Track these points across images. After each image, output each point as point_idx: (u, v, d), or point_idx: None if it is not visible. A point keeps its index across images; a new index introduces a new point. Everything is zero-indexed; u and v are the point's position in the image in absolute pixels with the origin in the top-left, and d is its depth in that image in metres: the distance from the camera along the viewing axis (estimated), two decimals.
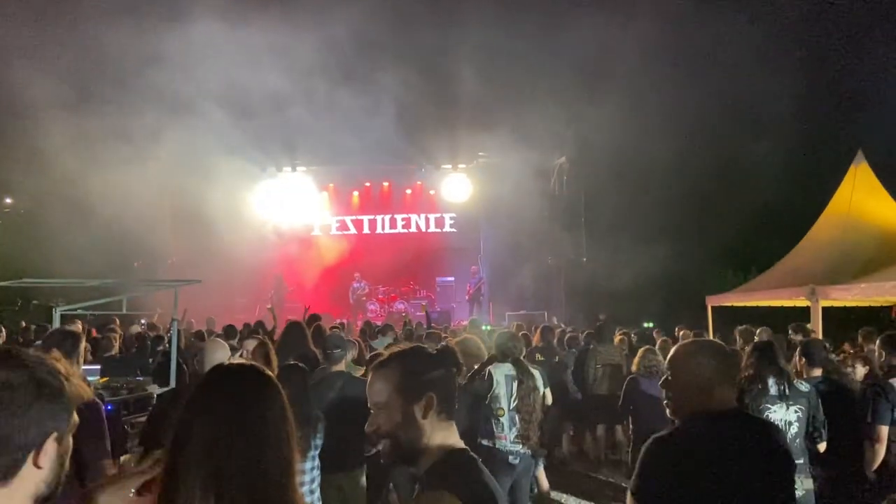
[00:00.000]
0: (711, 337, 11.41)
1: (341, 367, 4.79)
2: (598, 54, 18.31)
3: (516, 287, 19.34)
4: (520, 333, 8.64)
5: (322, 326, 7.15)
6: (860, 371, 5.57)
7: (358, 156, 18.77)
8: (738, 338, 7.43)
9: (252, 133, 17.18)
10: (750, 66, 20.72)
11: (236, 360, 4.02)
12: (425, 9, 19.88)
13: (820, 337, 7.63)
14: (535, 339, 9.10)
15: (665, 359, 6.18)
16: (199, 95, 15.77)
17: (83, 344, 3.57)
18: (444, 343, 2.21)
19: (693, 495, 2.15)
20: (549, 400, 6.81)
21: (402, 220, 21.38)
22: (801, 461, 4.15)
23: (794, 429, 4.16)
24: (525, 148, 18.42)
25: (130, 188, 15.20)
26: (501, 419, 5.05)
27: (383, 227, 21.37)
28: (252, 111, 16.32)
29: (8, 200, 22.19)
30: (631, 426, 6.77)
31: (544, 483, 6.72)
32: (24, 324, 11.39)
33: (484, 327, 10.71)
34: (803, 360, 4.88)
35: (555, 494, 6.90)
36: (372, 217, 21.38)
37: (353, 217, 21.39)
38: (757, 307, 12.09)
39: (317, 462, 3.79)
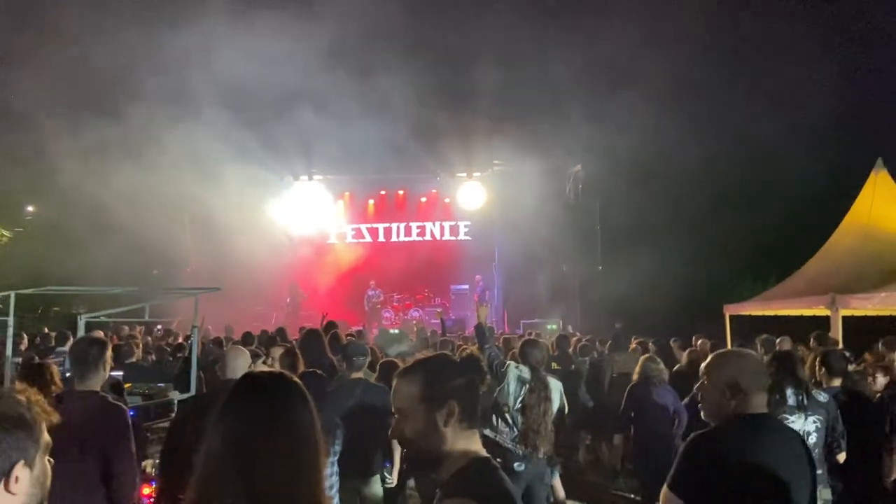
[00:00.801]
0: (730, 346, 11.34)
1: (360, 374, 4.84)
2: (612, 62, 18.32)
3: (531, 295, 19.32)
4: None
5: (339, 334, 7.20)
6: (881, 381, 5.52)
7: (374, 164, 18.88)
8: (759, 347, 7.37)
9: (269, 142, 17.36)
10: (767, 76, 20.63)
11: (258, 366, 4.08)
12: (440, 18, 20.01)
13: (840, 346, 7.56)
14: (551, 348, 9.08)
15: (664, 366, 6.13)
16: (218, 105, 15.97)
17: (109, 351, 3.62)
18: (469, 351, 2.24)
19: (729, 492, 2.30)
20: (566, 409, 6.81)
21: (417, 227, 21.44)
22: (820, 471, 4.13)
23: (812, 439, 4.14)
24: (540, 156, 18.45)
25: (150, 197, 15.40)
26: (506, 415, 5.10)
27: (398, 235, 21.44)
28: (269, 120, 16.49)
29: (30, 208, 22.51)
30: (632, 433, 6.74)
31: (560, 492, 6.70)
32: (46, 330, 11.53)
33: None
34: (822, 369, 4.85)
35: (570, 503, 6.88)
36: (387, 225, 21.47)
37: (369, 225, 21.49)
38: (776, 316, 11.98)
39: (335, 468, 3.83)
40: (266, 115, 16.35)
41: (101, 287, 8.33)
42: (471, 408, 1.80)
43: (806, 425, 4.15)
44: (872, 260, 9.78)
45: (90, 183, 15.19)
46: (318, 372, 4.59)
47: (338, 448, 3.84)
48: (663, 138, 18.66)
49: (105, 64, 15.45)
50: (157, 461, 4.08)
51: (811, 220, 15.59)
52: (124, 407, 3.46)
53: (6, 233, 21.08)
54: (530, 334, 11.16)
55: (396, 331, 12.92)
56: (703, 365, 2.63)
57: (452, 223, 21.36)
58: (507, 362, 5.35)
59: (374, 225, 21.48)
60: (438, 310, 18.84)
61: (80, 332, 5.59)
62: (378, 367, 6.06)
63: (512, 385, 5.21)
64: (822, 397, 4.29)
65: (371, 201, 21.45)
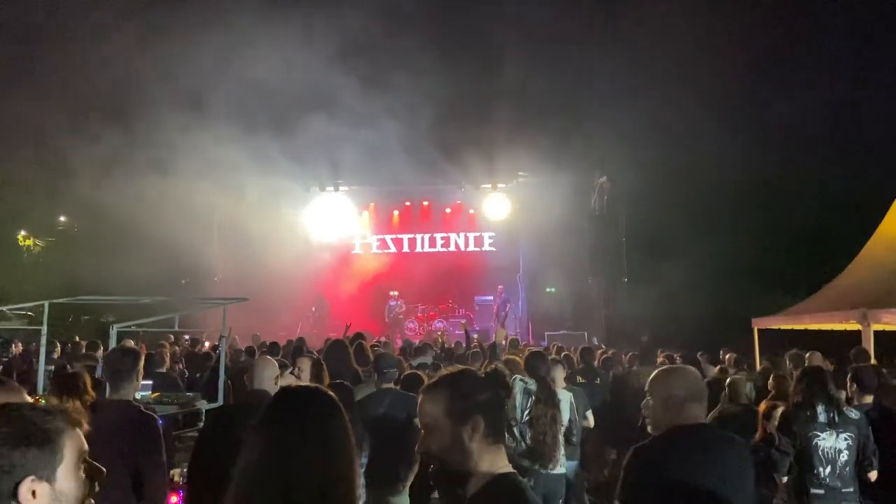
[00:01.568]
0: (758, 361, 11.18)
1: (390, 385, 4.87)
2: (639, 73, 18.25)
3: (556, 307, 19.23)
4: (561, 354, 8.61)
5: (365, 345, 7.24)
6: None
7: (398, 175, 18.99)
8: (787, 362, 7.24)
9: (296, 153, 17.55)
10: (799, 86, 20.39)
11: (285, 377, 4.12)
12: (466, 30, 20.13)
13: (873, 362, 7.41)
14: (576, 361, 9.03)
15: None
16: (245, 117, 16.21)
17: (142, 361, 3.70)
18: (494, 365, 2.24)
19: (667, 499, 2.49)
20: (591, 423, 6.75)
21: (442, 238, 21.48)
22: (851, 489, 4.06)
23: (843, 457, 4.07)
24: (565, 167, 18.41)
25: (178, 207, 15.65)
26: (513, 430, 5.07)
27: (423, 246, 21.49)
28: (296, 132, 16.69)
29: (62, 218, 22.98)
30: None
31: None
32: (77, 339, 11.74)
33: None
34: (854, 386, 4.76)
35: None
36: (412, 236, 21.54)
37: (394, 236, 21.58)
38: (805, 330, 11.78)
39: (362, 480, 3.85)
40: (293, 127, 16.56)
41: (132, 297, 8.47)
42: (496, 423, 1.80)
43: (837, 442, 4.08)
44: None
45: (120, 194, 15.49)
46: (345, 383, 4.62)
47: (364, 460, 3.86)
48: (690, 150, 18.52)
49: (135, 76, 15.79)
50: (185, 470, 4.13)
51: (842, 232, 15.34)
52: (156, 416, 3.51)
53: (39, 243, 21.56)
54: (556, 347, 11.09)
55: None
56: (648, 380, 2.80)
57: (477, 234, 21.38)
58: (514, 376, 5.29)
59: (399, 235, 21.57)
60: (462, 321, 18.83)
61: (112, 342, 5.69)
62: (401, 379, 6.09)
63: (518, 398, 5.18)
64: (854, 414, 4.22)
65: (396, 212, 21.56)
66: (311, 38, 15.46)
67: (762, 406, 5.12)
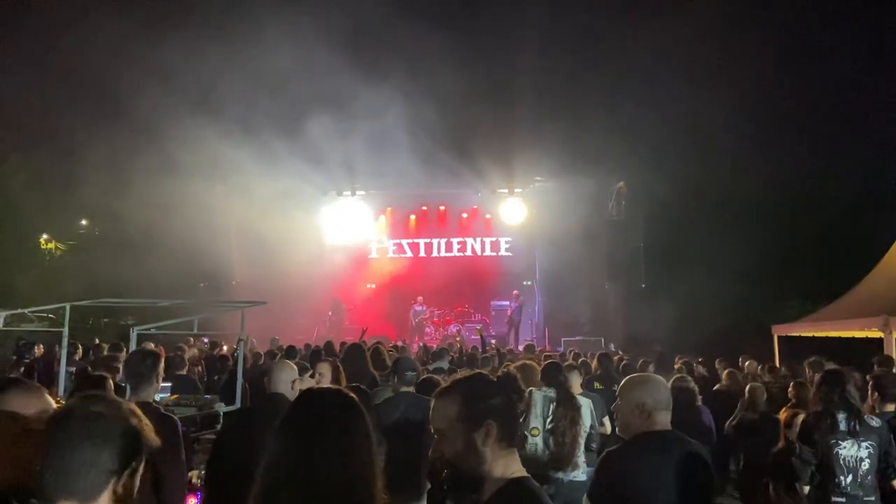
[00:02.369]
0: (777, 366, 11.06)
1: (410, 388, 4.87)
2: (655, 79, 18.17)
3: (572, 312, 19.15)
4: (578, 360, 8.56)
5: (381, 349, 7.26)
6: None
7: (415, 180, 19.04)
8: (807, 370, 7.16)
9: (314, 158, 17.65)
10: (817, 93, 20.19)
11: (304, 380, 4.14)
12: (483, 37, 20.16)
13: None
14: (594, 367, 8.97)
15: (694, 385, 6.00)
16: (264, 122, 16.33)
17: (162, 364, 3.73)
18: (506, 370, 2.24)
19: (633, 498, 2.68)
20: (609, 429, 6.69)
21: (458, 243, 21.50)
22: (872, 498, 4.00)
23: (865, 465, 4.01)
24: (582, 172, 18.36)
25: (198, 211, 15.79)
26: (535, 439, 5.04)
27: (439, 251, 21.53)
28: (313, 137, 16.79)
29: (83, 222, 23.26)
30: None
31: None
32: (97, 341, 11.87)
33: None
34: (875, 394, 4.70)
35: None
36: (428, 240, 21.57)
37: (410, 240, 21.63)
38: (826, 338, 11.65)
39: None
40: (310, 132, 16.66)
41: (151, 300, 8.56)
42: (509, 427, 1.80)
43: (859, 451, 4.02)
44: None
45: (141, 198, 15.66)
46: (361, 387, 4.63)
47: (381, 464, 3.86)
48: (709, 155, 18.39)
49: (156, 82, 15.97)
50: (203, 472, 4.16)
51: (863, 239, 15.14)
52: (175, 418, 3.55)
53: (61, 246, 21.83)
54: (573, 353, 11.05)
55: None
56: (618, 388, 2.99)
57: (493, 239, 21.38)
58: (529, 389, 5.30)
59: (416, 240, 21.61)
60: (478, 326, 18.81)
61: (133, 344, 5.75)
62: (418, 383, 6.10)
63: (539, 407, 5.20)
64: (875, 422, 4.15)
65: (412, 216, 21.60)
66: (330, 44, 15.57)
67: (783, 414, 5.07)
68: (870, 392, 4.79)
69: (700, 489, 2.72)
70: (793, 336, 11.87)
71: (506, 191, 20.48)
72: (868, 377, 5.15)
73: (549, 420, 5.17)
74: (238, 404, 6.09)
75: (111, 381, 3.74)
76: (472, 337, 17.51)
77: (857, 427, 4.05)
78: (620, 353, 12.79)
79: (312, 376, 4.57)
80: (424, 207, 21.48)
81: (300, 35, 15.67)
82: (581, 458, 5.28)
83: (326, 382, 4.53)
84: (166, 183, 15.32)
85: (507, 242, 21.26)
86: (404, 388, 4.81)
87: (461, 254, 21.41)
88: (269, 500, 1.42)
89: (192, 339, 10.42)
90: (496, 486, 1.74)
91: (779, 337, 11.84)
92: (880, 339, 9.15)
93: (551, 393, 5.25)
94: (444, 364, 8.96)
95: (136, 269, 15.35)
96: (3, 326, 7.10)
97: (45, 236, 21.67)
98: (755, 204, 19.80)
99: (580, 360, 8.77)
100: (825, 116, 19.53)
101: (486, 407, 1.78)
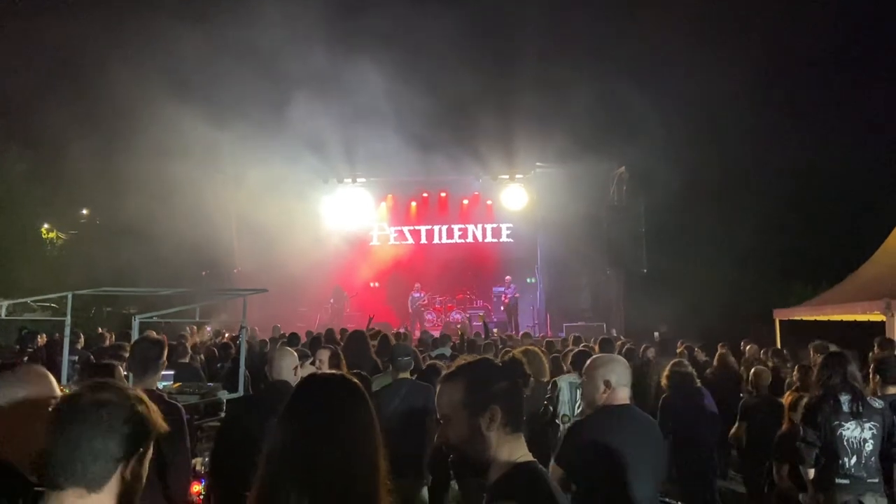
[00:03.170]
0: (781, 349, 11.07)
1: (406, 374, 4.88)
2: (657, 64, 18.07)
3: (574, 298, 19.16)
4: (579, 345, 8.57)
5: (389, 336, 7.26)
6: None
7: (416, 167, 18.99)
8: (811, 353, 7.14)
9: (314, 146, 17.61)
10: (820, 75, 20.08)
11: (305, 367, 4.14)
12: (483, 21, 20.03)
13: None
14: (596, 352, 8.98)
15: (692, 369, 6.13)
16: (264, 110, 16.28)
17: (166, 352, 3.74)
18: (511, 354, 2.22)
19: (594, 465, 2.95)
20: None
21: (459, 230, 21.47)
22: (876, 480, 4.01)
23: (868, 447, 4.02)
24: (583, 157, 18.29)
25: (198, 200, 15.77)
26: (567, 426, 5.07)
27: (440, 238, 21.51)
28: (314, 124, 16.73)
29: (84, 211, 23.27)
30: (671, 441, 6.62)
31: None
32: (100, 330, 11.89)
33: None
34: (877, 376, 4.69)
35: None
36: (429, 227, 21.55)
37: (411, 227, 21.60)
38: (828, 321, 11.65)
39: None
40: (311, 120, 16.60)
41: (153, 288, 8.56)
42: (515, 412, 1.78)
43: (862, 433, 4.03)
44: None
45: (141, 187, 15.64)
46: (363, 373, 4.64)
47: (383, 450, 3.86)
48: (710, 140, 18.32)
49: (156, 71, 15.90)
50: (207, 459, 4.17)
51: (865, 222, 15.12)
52: (180, 406, 3.55)
53: (62, 235, 21.85)
54: (574, 338, 11.03)
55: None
56: (584, 366, 3.29)
57: (494, 225, 21.34)
58: (553, 379, 5.63)
59: (417, 227, 21.58)
60: (481, 313, 18.84)
61: (135, 332, 5.76)
62: (420, 371, 6.11)
63: (566, 394, 5.39)
64: (878, 404, 4.16)
65: (413, 203, 21.55)
66: (331, 30, 15.50)
67: (787, 397, 5.08)
68: (871, 375, 4.79)
69: (654, 452, 3.09)
70: (795, 320, 11.87)
71: (507, 177, 20.43)
72: (870, 360, 5.15)
73: (577, 405, 5.26)
74: (241, 392, 6.10)
75: (119, 370, 3.74)
76: (476, 324, 17.56)
77: (861, 409, 4.05)
78: (622, 338, 12.80)
79: (313, 363, 4.57)
80: (425, 194, 21.42)
81: (299, 20, 15.59)
82: None
83: (325, 369, 4.53)
84: (167, 172, 15.29)
85: (508, 229, 21.23)
86: (402, 375, 4.82)
87: (462, 240, 21.38)
88: (272, 486, 1.41)
89: (193, 327, 10.43)
90: (502, 471, 1.74)
91: (781, 321, 11.84)
92: (882, 323, 9.15)
93: (576, 379, 5.33)
94: (447, 350, 8.98)
95: (138, 258, 15.38)
96: (6, 316, 7.10)
97: (46, 226, 21.69)
98: (757, 190, 19.75)
99: (581, 345, 8.76)
100: (826, 98, 19.44)
101: (492, 392, 1.77)
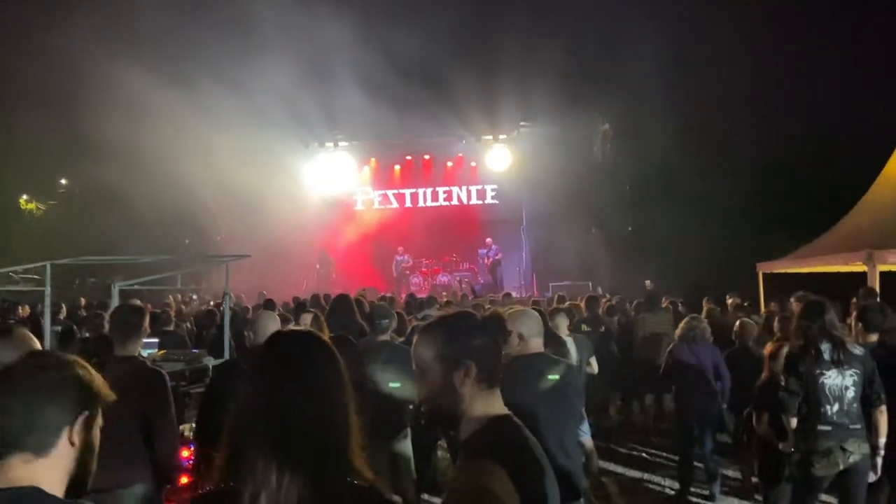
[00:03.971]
0: (763, 304, 11.20)
1: (386, 336, 4.87)
2: (640, 18, 17.85)
3: (560, 258, 19.22)
4: (566, 304, 8.62)
5: (362, 299, 7.23)
6: None
7: (399, 130, 18.79)
8: (793, 304, 7.21)
9: (295, 110, 17.34)
10: (803, 31, 19.93)
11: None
12: None
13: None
14: (583, 309, 9.05)
15: (708, 325, 6.38)
16: (243, 74, 15.97)
17: (147, 319, 3.70)
18: (492, 310, 2.19)
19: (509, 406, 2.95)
20: (595, 369, 6.80)
21: (444, 192, 21.39)
22: (858, 426, 4.06)
23: (850, 393, 4.07)
24: (567, 116, 18.16)
25: (178, 167, 15.55)
26: None
27: (425, 200, 21.43)
28: (294, 88, 16.46)
29: (63, 181, 22.93)
30: (674, 392, 6.77)
31: (589, 443, 6.72)
32: (83, 300, 11.81)
33: None
34: (859, 324, 4.74)
35: (603, 464, 6.90)
36: (413, 190, 21.45)
37: (395, 191, 21.50)
38: (810, 274, 11.75)
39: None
40: (291, 83, 16.32)
41: (131, 257, 8.46)
42: (490, 368, 1.74)
43: (844, 380, 4.07)
44: None
45: (120, 157, 15.38)
46: (349, 337, 4.62)
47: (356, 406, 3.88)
48: (694, 94, 18.22)
49: (132, 34, 15.51)
50: (194, 425, 4.18)
51: (847, 174, 15.18)
52: (164, 373, 3.53)
53: (41, 206, 21.55)
54: (559, 297, 11.11)
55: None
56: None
57: (479, 187, 21.28)
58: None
59: (401, 190, 21.48)
60: (467, 278, 18.90)
61: (115, 301, 5.70)
62: (407, 333, 6.14)
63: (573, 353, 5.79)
64: (858, 350, 4.19)
65: (397, 167, 21.41)
66: None
67: (768, 347, 5.12)
68: (853, 322, 4.83)
69: (564, 394, 3.35)
70: (778, 273, 11.97)
71: (490, 137, 20.30)
72: (852, 308, 5.19)
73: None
74: (226, 357, 6.08)
75: (77, 334, 3.71)
76: (463, 286, 17.62)
77: (841, 356, 4.09)
78: (608, 295, 12.89)
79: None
80: (409, 157, 21.27)
81: None
82: None
83: None
84: (146, 139, 15.04)
85: (493, 190, 21.17)
86: (382, 337, 4.81)
87: (447, 203, 21.33)
88: (242, 440, 1.39)
89: (178, 295, 10.38)
90: (477, 425, 1.70)
91: (763, 274, 11.94)
92: (865, 274, 9.24)
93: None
94: (433, 312, 8.99)
95: (121, 229, 15.21)
96: None
97: (24, 197, 21.37)
98: (739, 143, 19.73)
99: (566, 303, 8.82)
100: (811, 49, 19.32)
101: (468, 347, 1.73)
